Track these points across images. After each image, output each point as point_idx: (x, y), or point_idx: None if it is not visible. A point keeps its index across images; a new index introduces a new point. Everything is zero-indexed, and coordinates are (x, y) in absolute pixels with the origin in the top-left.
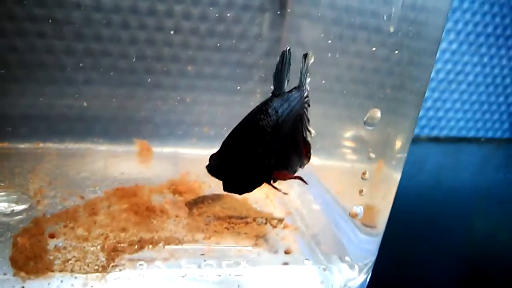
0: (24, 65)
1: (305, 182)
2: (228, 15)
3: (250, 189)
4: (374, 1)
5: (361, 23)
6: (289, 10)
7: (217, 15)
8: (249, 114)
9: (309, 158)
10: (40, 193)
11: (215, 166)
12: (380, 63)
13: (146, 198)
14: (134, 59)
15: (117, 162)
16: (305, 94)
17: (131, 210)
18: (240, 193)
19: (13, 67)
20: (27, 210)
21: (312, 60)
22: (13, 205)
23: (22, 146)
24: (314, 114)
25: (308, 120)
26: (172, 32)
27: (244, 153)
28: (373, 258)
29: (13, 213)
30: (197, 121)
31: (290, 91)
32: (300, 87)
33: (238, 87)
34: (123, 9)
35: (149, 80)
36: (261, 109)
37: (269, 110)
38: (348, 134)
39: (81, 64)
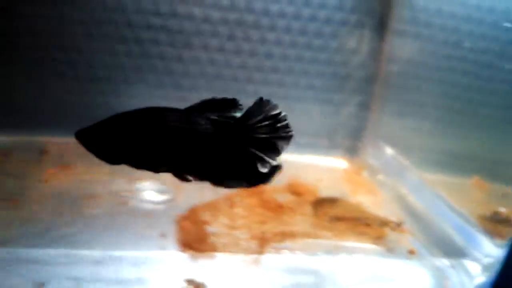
0: (138, 70)
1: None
2: (326, 30)
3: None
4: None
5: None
6: (388, 27)
7: (316, 30)
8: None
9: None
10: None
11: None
12: None
13: (272, 196)
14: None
15: None
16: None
17: (263, 206)
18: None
19: (128, 71)
20: (170, 200)
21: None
22: (159, 194)
23: None
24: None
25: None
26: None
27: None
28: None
29: (160, 202)
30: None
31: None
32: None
33: (332, 98)
34: (229, 22)
35: (250, 89)
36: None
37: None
38: None
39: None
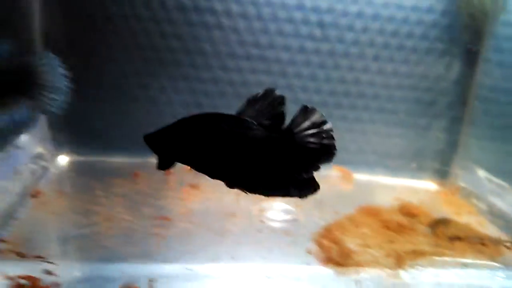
0: (239, 96)
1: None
2: (413, 57)
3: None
4: None
5: None
6: (477, 55)
7: (404, 58)
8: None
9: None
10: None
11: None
12: None
13: (390, 217)
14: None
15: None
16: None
17: (385, 226)
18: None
19: (230, 98)
20: (296, 220)
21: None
22: (285, 214)
23: None
24: None
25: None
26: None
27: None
28: None
29: (290, 220)
30: (372, 150)
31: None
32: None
33: (415, 122)
34: (321, 52)
35: (338, 113)
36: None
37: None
38: None
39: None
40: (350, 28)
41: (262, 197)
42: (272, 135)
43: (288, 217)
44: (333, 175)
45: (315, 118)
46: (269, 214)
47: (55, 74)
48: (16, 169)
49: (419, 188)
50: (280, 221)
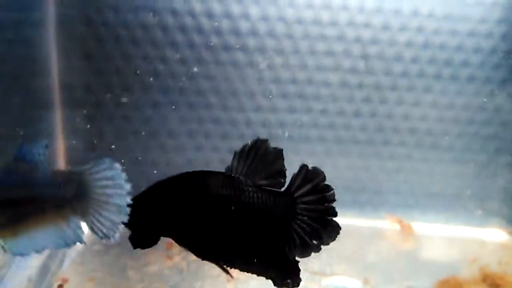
0: (274, 139)
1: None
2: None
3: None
4: None
5: None
6: None
7: (459, 88)
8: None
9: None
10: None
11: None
12: None
13: None
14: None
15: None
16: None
17: None
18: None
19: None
20: None
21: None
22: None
23: None
24: None
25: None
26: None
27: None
28: None
29: None
30: (426, 192)
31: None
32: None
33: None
34: (349, 85)
35: (386, 151)
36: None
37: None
38: None
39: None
40: (398, 58)
41: (322, 271)
42: (269, 199)
43: None
44: (389, 229)
45: (317, 181)
46: None
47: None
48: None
49: (487, 240)
50: None
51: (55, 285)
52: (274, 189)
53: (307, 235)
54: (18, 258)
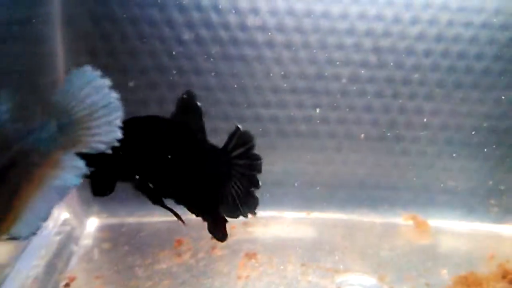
0: (283, 135)
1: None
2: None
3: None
4: None
5: None
6: None
7: (473, 82)
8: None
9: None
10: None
11: None
12: None
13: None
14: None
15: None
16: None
17: None
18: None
19: (273, 136)
20: None
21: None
22: None
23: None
24: None
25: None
26: None
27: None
28: None
29: None
30: (441, 188)
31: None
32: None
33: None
34: (360, 79)
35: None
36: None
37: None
38: None
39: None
40: (410, 52)
41: (335, 268)
42: (211, 149)
43: None
44: (403, 225)
45: (250, 145)
46: None
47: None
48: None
49: (505, 236)
50: None
51: (62, 283)
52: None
53: (237, 198)
54: (22, 256)
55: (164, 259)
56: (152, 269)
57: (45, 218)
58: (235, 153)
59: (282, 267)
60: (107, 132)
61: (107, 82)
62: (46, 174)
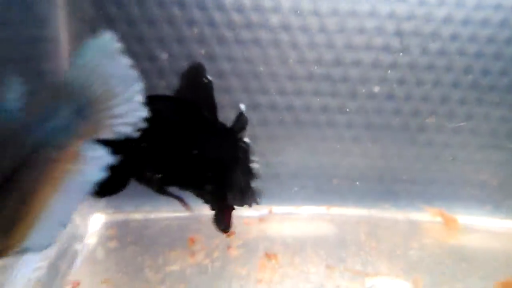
0: (300, 124)
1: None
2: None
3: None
4: None
5: None
6: None
7: (502, 68)
8: None
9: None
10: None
11: None
12: None
13: None
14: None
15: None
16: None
17: None
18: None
19: (289, 125)
20: None
21: None
22: None
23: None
24: None
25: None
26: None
27: None
28: None
29: None
30: (466, 181)
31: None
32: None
33: None
34: (381, 65)
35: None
36: None
37: None
38: None
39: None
40: (436, 36)
41: (364, 271)
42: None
43: None
44: (430, 222)
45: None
46: None
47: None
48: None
49: None
50: None
51: None
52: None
53: (243, 184)
54: (23, 258)
55: (177, 259)
56: (164, 271)
57: (65, 223)
58: (240, 135)
59: (305, 268)
60: (130, 111)
61: (120, 48)
62: (64, 170)
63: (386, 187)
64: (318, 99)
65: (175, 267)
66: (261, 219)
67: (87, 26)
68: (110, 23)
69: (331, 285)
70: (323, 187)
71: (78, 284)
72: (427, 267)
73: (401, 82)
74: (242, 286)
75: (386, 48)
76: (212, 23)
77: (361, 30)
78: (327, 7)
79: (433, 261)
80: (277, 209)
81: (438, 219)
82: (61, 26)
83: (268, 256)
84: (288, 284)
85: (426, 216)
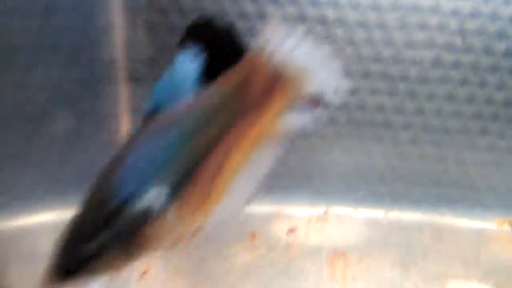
0: (353, 123)
1: None
2: None
3: None
4: None
5: None
6: None
7: None
8: None
9: None
10: None
11: None
12: None
13: None
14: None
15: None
16: None
17: None
18: None
19: (343, 124)
20: None
21: None
22: None
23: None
24: None
25: None
26: None
27: None
28: None
29: None
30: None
31: None
32: None
33: None
34: (443, 64)
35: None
36: None
37: None
38: None
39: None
40: (500, 35)
41: (445, 274)
42: None
43: None
44: (495, 230)
45: None
46: None
47: None
48: None
49: None
50: None
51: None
52: None
53: None
54: None
55: (238, 254)
56: (226, 264)
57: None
58: None
59: (377, 268)
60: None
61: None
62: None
63: (444, 192)
64: (373, 98)
65: (238, 260)
66: (318, 218)
67: (142, 15)
68: (162, 13)
69: (410, 284)
70: (379, 189)
71: (146, 272)
72: (506, 272)
73: (463, 82)
74: (311, 281)
75: (448, 47)
76: (263, 15)
77: (423, 27)
78: (387, 2)
79: (510, 266)
80: (333, 209)
81: (506, 227)
82: (115, 14)
83: (337, 255)
84: (362, 283)
85: (491, 223)
